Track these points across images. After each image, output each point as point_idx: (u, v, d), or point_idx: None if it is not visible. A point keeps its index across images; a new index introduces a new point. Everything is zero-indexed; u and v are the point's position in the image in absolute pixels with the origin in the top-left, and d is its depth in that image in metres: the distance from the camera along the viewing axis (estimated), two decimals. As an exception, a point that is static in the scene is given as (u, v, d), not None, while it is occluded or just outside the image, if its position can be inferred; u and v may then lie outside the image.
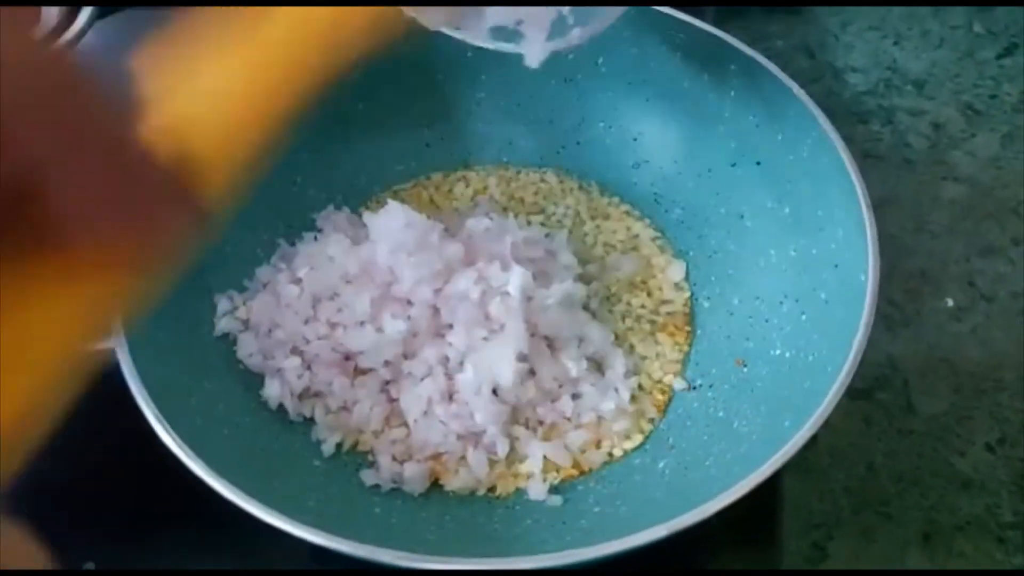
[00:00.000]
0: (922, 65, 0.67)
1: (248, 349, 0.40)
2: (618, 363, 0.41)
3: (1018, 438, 0.49)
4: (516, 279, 0.39)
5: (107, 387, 0.33)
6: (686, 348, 0.43)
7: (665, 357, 0.43)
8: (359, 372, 0.40)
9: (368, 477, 0.38)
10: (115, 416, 0.33)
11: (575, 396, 0.40)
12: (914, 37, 0.68)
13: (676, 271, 0.45)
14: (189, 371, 0.37)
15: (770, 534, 0.42)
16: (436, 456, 0.38)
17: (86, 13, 0.60)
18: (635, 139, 0.48)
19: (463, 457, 0.38)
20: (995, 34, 0.67)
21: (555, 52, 0.33)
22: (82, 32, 0.60)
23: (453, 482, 0.38)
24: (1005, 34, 0.67)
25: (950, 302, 0.55)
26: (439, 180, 0.49)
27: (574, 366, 0.40)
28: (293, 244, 0.45)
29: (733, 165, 0.44)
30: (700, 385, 0.41)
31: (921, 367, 0.52)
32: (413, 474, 0.37)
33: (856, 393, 0.52)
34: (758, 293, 0.42)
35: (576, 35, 0.32)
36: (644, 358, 0.43)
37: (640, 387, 0.42)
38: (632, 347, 0.43)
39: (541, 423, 0.40)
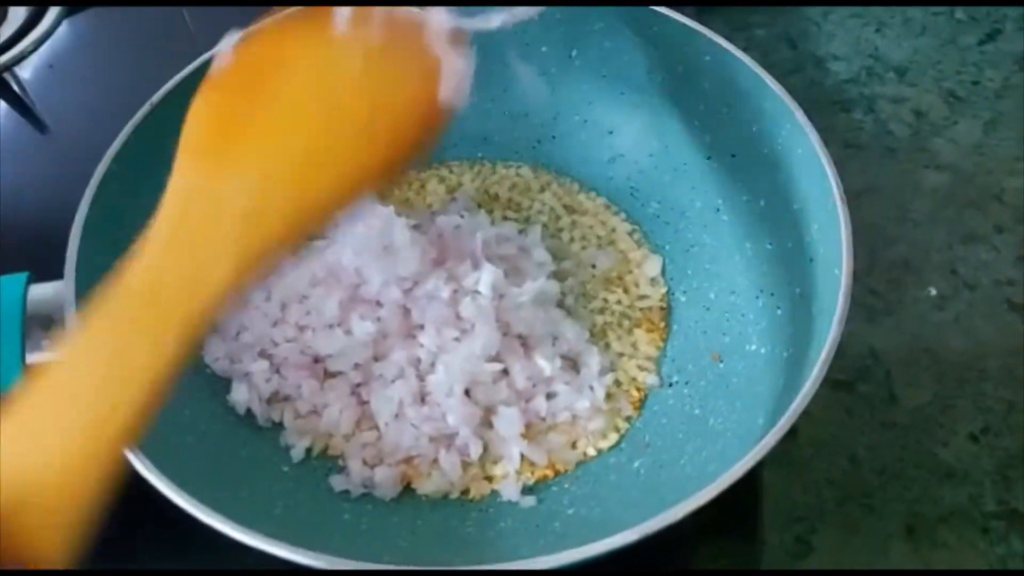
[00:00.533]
0: (904, 52, 0.66)
1: (214, 353, 0.39)
2: (593, 361, 0.40)
3: (1002, 427, 0.49)
4: (487, 278, 0.38)
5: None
6: (662, 344, 0.42)
7: (641, 354, 0.42)
8: (328, 375, 0.39)
9: (338, 483, 0.37)
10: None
11: (549, 396, 0.39)
12: (896, 24, 0.67)
13: (652, 266, 0.45)
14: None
15: (751, 528, 0.42)
16: (408, 460, 0.38)
17: (53, 12, 0.60)
18: (610, 132, 0.47)
19: (435, 460, 0.38)
20: (977, 20, 0.67)
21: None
22: (49, 31, 0.59)
23: (425, 486, 0.37)
24: (987, 20, 0.67)
25: (933, 291, 0.54)
26: (412, 177, 0.49)
27: (548, 365, 0.39)
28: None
29: (708, 158, 0.44)
30: (676, 382, 0.41)
31: (904, 357, 0.51)
32: (384, 478, 0.37)
33: (838, 384, 0.51)
34: (734, 288, 0.42)
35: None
36: (620, 355, 0.42)
37: (616, 384, 0.41)
38: (608, 344, 0.42)
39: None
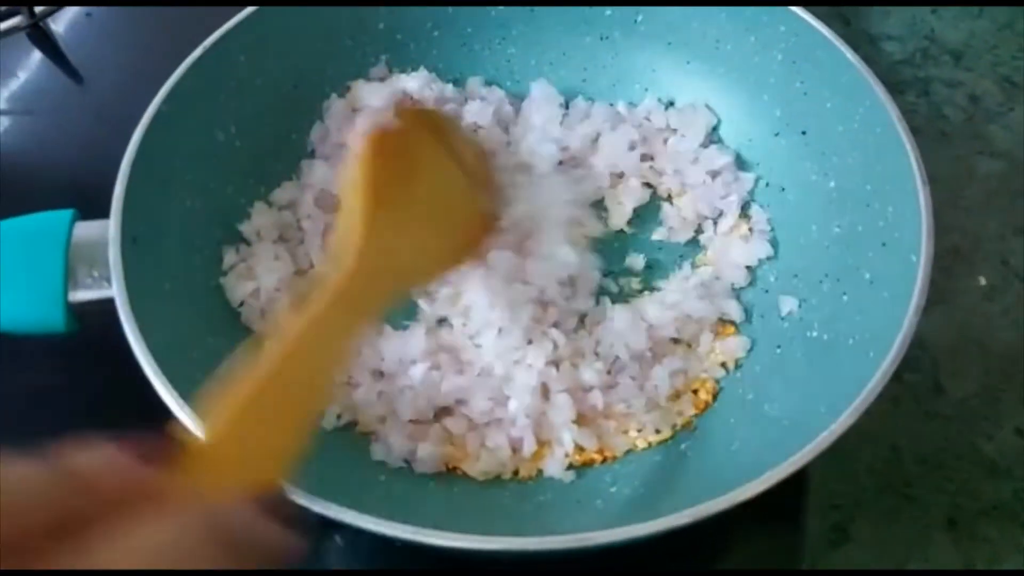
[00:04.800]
0: (960, 35, 0.64)
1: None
2: (671, 360, 0.39)
3: (1048, 424, 0.48)
4: None
5: (108, 340, 0.32)
6: (730, 335, 0.41)
7: (714, 352, 0.40)
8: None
9: (377, 452, 0.36)
10: (114, 369, 0.32)
11: (609, 387, 0.38)
12: (953, 6, 0.65)
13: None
14: (192, 325, 0.36)
15: (794, 513, 0.41)
16: (451, 439, 0.37)
17: None
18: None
19: (483, 444, 0.36)
20: (1036, 4, 0.65)
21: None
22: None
23: (474, 467, 0.36)
24: (1048, 4, 0.65)
25: (983, 281, 0.53)
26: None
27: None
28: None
29: (776, 134, 0.42)
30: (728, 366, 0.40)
31: (951, 347, 0.50)
32: (426, 455, 0.36)
33: (883, 373, 0.51)
34: (796, 271, 0.40)
35: None
36: (689, 347, 0.40)
37: (687, 386, 0.39)
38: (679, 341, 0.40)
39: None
